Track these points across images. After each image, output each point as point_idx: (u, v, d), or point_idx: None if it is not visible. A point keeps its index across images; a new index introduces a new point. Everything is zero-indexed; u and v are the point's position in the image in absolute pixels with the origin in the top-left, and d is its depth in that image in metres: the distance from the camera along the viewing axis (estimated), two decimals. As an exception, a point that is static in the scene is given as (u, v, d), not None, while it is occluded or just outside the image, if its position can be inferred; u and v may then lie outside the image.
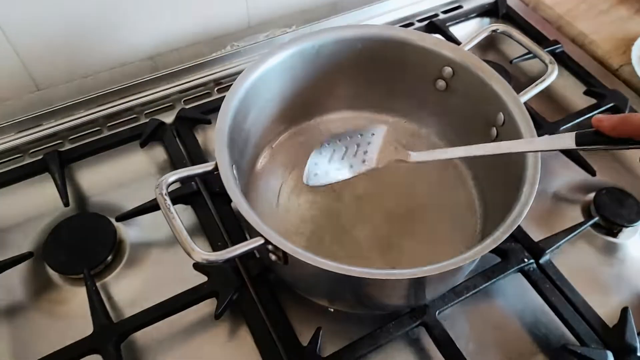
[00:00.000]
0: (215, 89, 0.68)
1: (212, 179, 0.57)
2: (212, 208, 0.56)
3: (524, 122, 0.47)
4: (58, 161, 0.58)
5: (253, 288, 0.50)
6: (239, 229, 0.54)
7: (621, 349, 0.48)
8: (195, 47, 0.68)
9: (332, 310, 0.50)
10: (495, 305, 0.53)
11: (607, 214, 0.57)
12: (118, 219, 0.54)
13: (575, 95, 0.70)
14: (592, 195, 0.60)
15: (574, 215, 0.60)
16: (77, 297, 0.52)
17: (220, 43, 0.68)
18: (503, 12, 0.78)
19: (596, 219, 0.56)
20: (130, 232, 0.57)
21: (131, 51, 0.65)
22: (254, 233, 0.39)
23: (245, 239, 0.52)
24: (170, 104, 0.66)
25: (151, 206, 0.55)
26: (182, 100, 0.66)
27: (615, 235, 0.58)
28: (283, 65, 0.51)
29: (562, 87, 0.71)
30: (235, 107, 0.46)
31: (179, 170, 0.41)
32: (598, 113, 0.65)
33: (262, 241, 0.38)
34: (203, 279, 0.51)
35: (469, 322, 0.51)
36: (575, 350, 0.47)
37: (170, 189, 0.39)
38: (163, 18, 0.64)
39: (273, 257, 0.41)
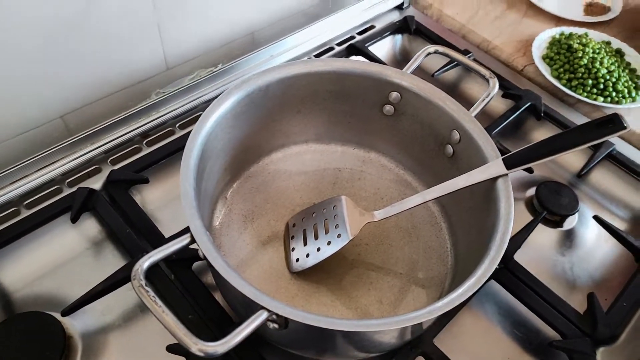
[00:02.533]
0: (144, 142, 0.61)
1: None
2: (171, 277, 0.50)
3: (482, 137, 0.48)
4: (-30, 257, 0.49)
5: (238, 357, 0.46)
6: (208, 295, 0.49)
7: (597, 333, 0.51)
8: (115, 100, 0.61)
9: (325, 360, 0.48)
10: (475, 316, 0.53)
11: (551, 206, 0.61)
12: (64, 314, 0.47)
13: (494, 99, 0.74)
14: (532, 190, 0.64)
15: (520, 211, 0.63)
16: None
17: (143, 92, 0.62)
18: (413, 27, 0.81)
19: (544, 213, 0.60)
20: (76, 323, 0.49)
21: (38, 113, 0.57)
22: (243, 304, 0.36)
23: (217, 305, 0.49)
24: (96, 166, 0.59)
25: (102, 289, 0.48)
26: (109, 161, 0.59)
27: (560, 224, 0.62)
28: (233, 111, 0.48)
29: (480, 93, 0.75)
30: (194, 165, 0.42)
31: (152, 253, 0.36)
32: (520, 113, 0.70)
33: (266, 314, 0.34)
34: None
35: (457, 338, 0.52)
36: (561, 345, 0.50)
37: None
38: (70, 73, 0.57)
39: (271, 325, 0.37)
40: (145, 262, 0.35)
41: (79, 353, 0.47)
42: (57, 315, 0.47)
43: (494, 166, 0.45)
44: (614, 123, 0.42)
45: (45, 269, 0.52)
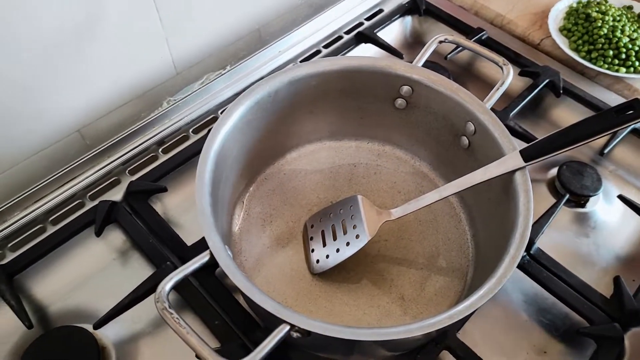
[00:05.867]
0: (160, 150, 0.62)
1: (188, 254, 0.52)
2: (196, 285, 0.51)
3: (497, 128, 0.47)
4: (3, 277, 0.50)
5: (268, 361, 0.47)
6: (232, 300, 0.50)
7: (625, 316, 0.50)
8: (128, 110, 0.61)
9: None
10: (499, 305, 0.53)
11: (573, 188, 0.60)
12: (96, 327, 0.48)
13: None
14: (553, 171, 0.63)
15: (542, 193, 0.62)
16: None
17: (155, 101, 0.63)
18: (423, 8, 0.78)
19: (567, 196, 0.59)
20: (108, 333, 0.51)
21: (55, 130, 0.58)
22: (266, 315, 0.36)
23: (242, 309, 0.50)
24: (115, 178, 0.60)
25: (130, 301, 0.49)
26: (127, 171, 0.60)
27: (583, 205, 0.61)
28: (243, 120, 0.48)
29: (498, 73, 0.73)
30: (209, 179, 0.42)
31: (173, 273, 0.37)
32: (538, 91, 0.68)
33: (288, 327, 0.35)
34: (210, 365, 0.47)
35: (481, 330, 0.52)
36: (589, 332, 0.49)
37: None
38: (82, 85, 0.57)
39: (295, 334, 0.38)
40: (167, 283, 0.36)
41: (113, 363, 0.49)
42: (90, 327, 0.49)
43: (511, 159, 0.44)
44: (635, 109, 0.40)
45: (75, 282, 0.54)
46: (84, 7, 0.52)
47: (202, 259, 0.38)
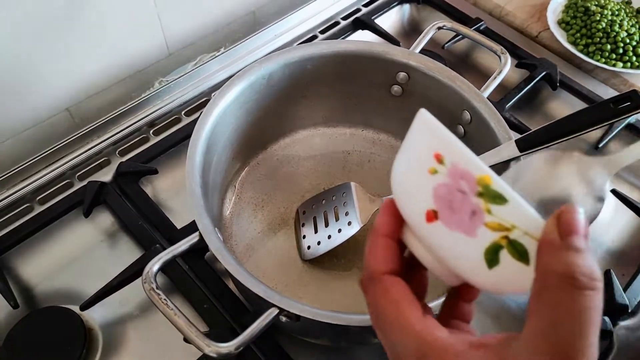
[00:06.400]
0: (151, 131, 0.61)
1: (178, 237, 0.52)
2: (186, 269, 0.51)
3: (493, 117, 0.47)
4: (-11, 256, 0.50)
5: (256, 346, 0.47)
6: (222, 284, 0.50)
7: (614, 310, 0.50)
8: (119, 90, 0.60)
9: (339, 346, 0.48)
10: (489, 294, 0.53)
11: (567, 181, 0.59)
12: (82, 308, 0.48)
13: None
14: (547, 165, 0.63)
15: (535, 187, 0.62)
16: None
17: (147, 81, 0.62)
18: (422, -5, 0.78)
19: (560, 189, 0.59)
20: (95, 315, 0.50)
21: (43, 107, 0.57)
22: (255, 298, 0.36)
23: (231, 293, 0.49)
24: (105, 158, 0.59)
25: (118, 283, 0.49)
26: (117, 152, 0.59)
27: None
28: (236, 102, 0.47)
29: (494, 64, 0.73)
30: (200, 162, 0.41)
31: (162, 254, 0.36)
32: (535, 84, 0.68)
33: (277, 311, 0.34)
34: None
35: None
36: (577, 323, 0.49)
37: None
38: (72, 62, 0.56)
39: (284, 318, 0.37)
40: (155, 264, 0.35)
41: (100, 344, 0.48)
42: (76, 309, 0.49)
43: (506, 149, 0.44)
44: (632, 100, 0.40)
45: (62, 263, 0.53)
46: (75, -18, 0.50)
47: (191, 240, 0.37)
